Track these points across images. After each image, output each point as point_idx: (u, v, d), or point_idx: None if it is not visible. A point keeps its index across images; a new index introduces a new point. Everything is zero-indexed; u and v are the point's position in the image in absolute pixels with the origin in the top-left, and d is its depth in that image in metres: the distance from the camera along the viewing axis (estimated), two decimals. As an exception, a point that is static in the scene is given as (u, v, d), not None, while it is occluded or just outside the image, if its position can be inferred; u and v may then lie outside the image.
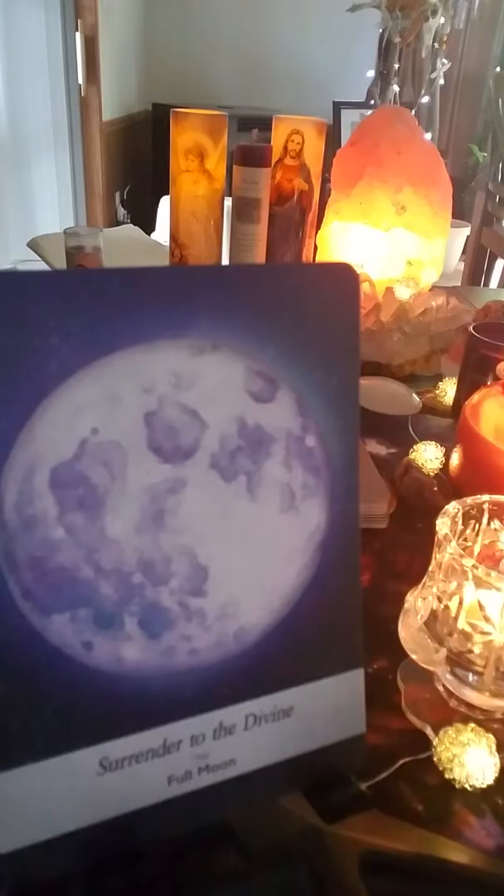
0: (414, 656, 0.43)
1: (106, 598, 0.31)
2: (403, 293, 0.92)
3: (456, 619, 0.41)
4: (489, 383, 0.71)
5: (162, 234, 2.16)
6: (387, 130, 0.93)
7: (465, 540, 0.45)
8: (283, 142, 0.97)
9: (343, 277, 0.35)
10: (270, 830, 0.37)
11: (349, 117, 2.72)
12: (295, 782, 0.37)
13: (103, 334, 0.30)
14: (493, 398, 0.65)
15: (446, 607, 0.42)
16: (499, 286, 2.29)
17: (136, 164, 3.03)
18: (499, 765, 0.39)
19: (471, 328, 0.78)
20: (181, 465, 0.32)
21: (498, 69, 2.79)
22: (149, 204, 2.67)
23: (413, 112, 1.48)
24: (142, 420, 0.31)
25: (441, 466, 0.69)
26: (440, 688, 0.44)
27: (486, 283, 2.30)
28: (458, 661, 0.41)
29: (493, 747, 0.39)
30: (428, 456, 0.70)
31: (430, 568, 0.43)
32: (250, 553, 0.34)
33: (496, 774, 0.39)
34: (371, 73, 2.56)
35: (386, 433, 0.78)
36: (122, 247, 1.19)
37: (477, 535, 0.45)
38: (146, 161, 3.05)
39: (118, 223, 2.78)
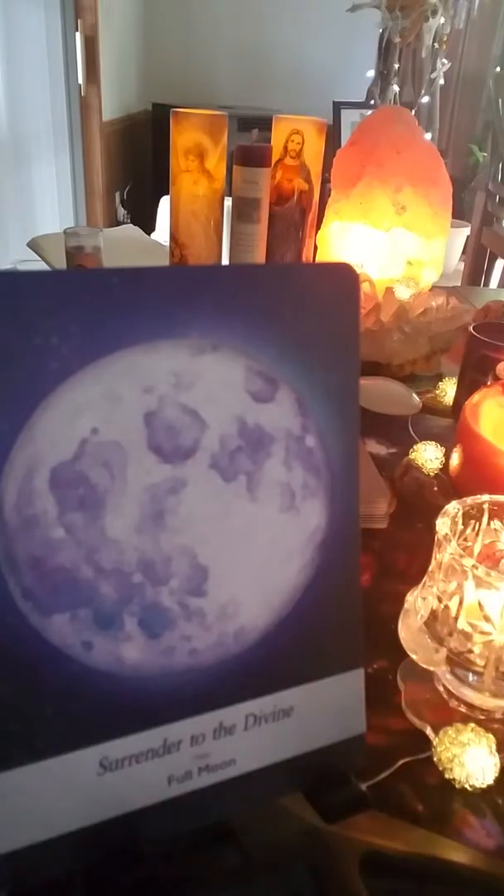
0: (414, 656, 0.43)
1: (106, 598, 0.31)
2: (403, 293, 0.92)
3: (456, 619, 0.41)
4: (489, 383, 0.71)
5: (162, 234, 2.16)
6: (387, 130, 0.93)
7: (465, 540, 0.45)
8: (283, 142, 0.97)
9: (343, 277, 0.35)
10: (270, 830, 0.37)
11: (349, 117, 2.72)
12: (295, 782, 0.37)
13: (103, 334, 0.30)
14: (493, 398, 0.65)
15: (446, 607, 0.42)
16: (499, 286, 2.29)
17: (136, 164, 3.03)
18: (499, 765, 0.39)
19: (471, 328, 0.78)
20: (181, 465, 0.32)
21: (498, 69, 2.80)
22: (149, 204, 2.67)
23: (413, 112, 1.48)
24: (142, 420, 0.31)
25: (441, 466, 0.69)
26: (440, 688, 0.44)
27: (486, 283, 2.30)
28: (458, 661, 0.41)
29: (493, 747, 0.39)
30: (428, 456, 0.70)
31: (430, 568, 0.43)
32: (250, 553, 0.34)
33: (496, 774, 0.39)
34: (371, 73, 2.56)
35: (386, 433, 0.78)
36: (122, 247, 1.19)
37: (477, 535, 0.45)
38: (146, 161, 3.05)
39: (118, 223, 2.78)
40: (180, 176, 0.95)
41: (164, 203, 2.37)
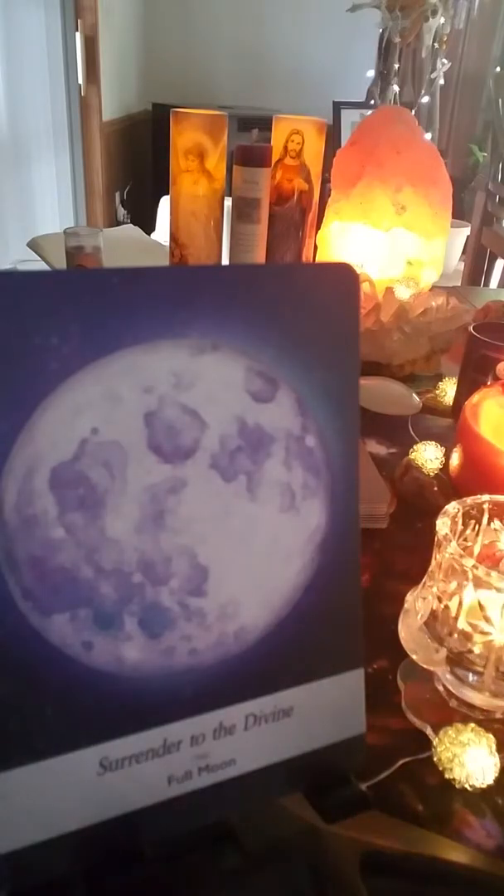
0: (414, 656, 0.43)
1: (106, 598, 0.31)
2: (403, 293, 0.92)
3: (456, 619, 0.41)
4: (489, 383, 0.71)
5: (162, 234, 2.16)
6: (387, 130, 0.93)
7: (465, 540, 0.45)
8: (283, 142, 0.97)
9: (343, 277, 0.35)
10: (270, 830, 0.37)
11: (349, 117, 2.72)
12: (295, 782, 0.37)
13: (103, 334, 0.30)
14: (493, 398, 0.65)
15: (446, 607, 0.42)
16: (499, 286, 2.29)
17: (136, 164, 3.03)
18: (499, 765, 0.39)
19: (471, 328, 0.78)
20: (181, 465, 0.32)
21: (498, 69, 2.79)
22: (149, 204, 2.67)
23: (413, 112, 1.48)
24: (142, 420, 0.31)
25: (441, 466, 0.69)
26: (440, 688, 0.44)
27: (486, 283, 2.31)
28: (458, 661, 0.41)
29: (493, 747, 0.39)
30: (428, 456, 0.70)
31: (430, 568, 0.43)
32: (250, 553, 0.34)
33: (496, 774, 0.39)
34: (371, 73, 2.56)
35: (386, 433, 0.78)
36: (122, 247, 1.19)
37: (477, 535, 0.45)
38: (146, 161, 3.05)
39: (118, 223, 2.78)
40: (180, 176, 0.95)
41: (164, 203, 2.37)
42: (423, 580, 0.44)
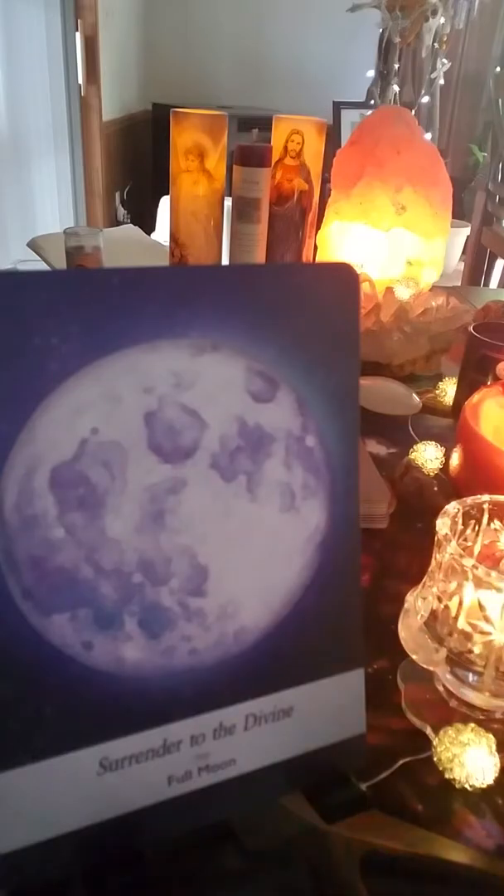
0: (414, 656, 0.43)
1: (106, 598, 0.31)
2: (403, 293, 0.92)
3: (456, 619, 0.41)
4: (489, 383, 0.71)
5: (162, 234, 2.16)
6: (387, 130, 0.93)
7: (465, 540, 0.45)
8: (283, 142, 0.97)
9: (343, 277, 0.35)
10: (270, 830, 0.37)
11: (349, 117, 2.72)
12: (295, 782, 0.37)
13: (103, 334, 0.30)
14: (493, 398, 0.65)
15: (446, 607, 0.42)
16: (499, 286, 2.30)
17: (136, 164, 3.03)
18: (499, 765, 0.39)
19: (471, 328, 0.78)
20: (181, 465, 0.32)
21: (498, 69, 2.79)
22: (149, 204, 2.67)
23: (413, 112, 1.47)
24: (142, 420, 0.31)
25: (441, 466, 0.69)
26: (440, 688, 0.44)
27: (486, 283, 2.31)
28: (458, 661, 0.41)
29: (493, 747, 0.39)
30: (428, 456, 0.70)
31: (430, 568, 0.43)
32: (250, 553, 0.34)
33: (496, 774, 0.39)
34: (371, 73, 2.56)
35: (386, 433, 0.78)
36: (122, 247, 1.19)
37: (477, 535, 0.45)
38: (146, 161, 3.05)
39: (118, 223, 2.78)
40: (180, 176, 0.95)
41: (164, 203, 2.37)
42: (423, 580, 0.44)
